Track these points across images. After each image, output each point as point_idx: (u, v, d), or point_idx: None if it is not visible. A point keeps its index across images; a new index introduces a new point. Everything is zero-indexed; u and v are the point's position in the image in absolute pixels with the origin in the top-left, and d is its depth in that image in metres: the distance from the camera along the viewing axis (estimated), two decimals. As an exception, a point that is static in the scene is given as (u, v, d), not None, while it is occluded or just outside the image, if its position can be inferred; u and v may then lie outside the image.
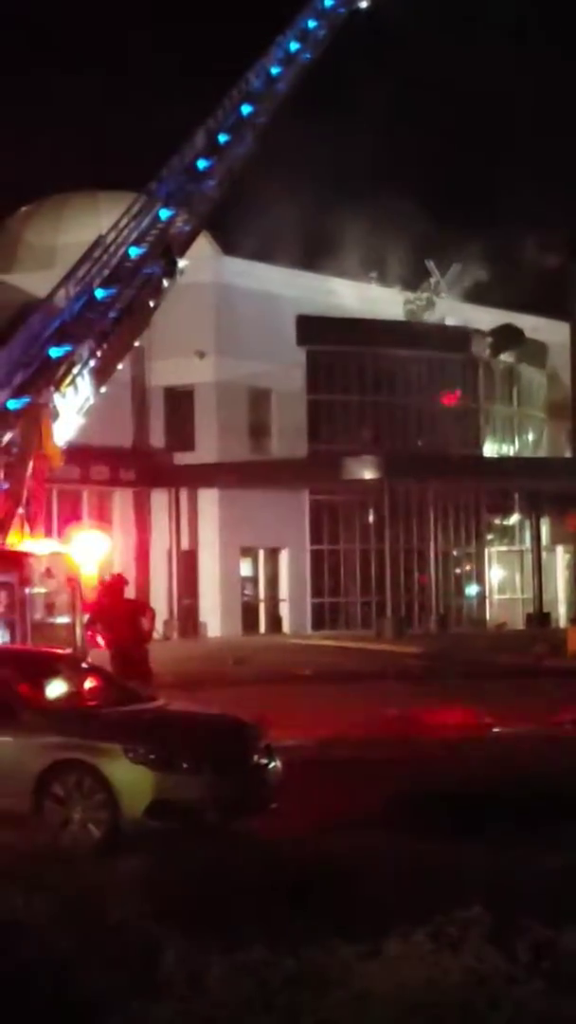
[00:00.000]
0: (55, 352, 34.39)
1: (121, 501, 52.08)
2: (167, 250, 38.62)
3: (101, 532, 38.29)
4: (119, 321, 36.57)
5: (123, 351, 38.05)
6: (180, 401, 53.23)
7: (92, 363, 34.84)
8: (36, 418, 31.56)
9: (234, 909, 10.37)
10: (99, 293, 36.56)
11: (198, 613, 51.76)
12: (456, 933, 7.85)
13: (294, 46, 44.52)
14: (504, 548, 60.18)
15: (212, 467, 51.47)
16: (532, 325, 60.97)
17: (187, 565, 51.90)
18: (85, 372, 34.39)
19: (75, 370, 34.12)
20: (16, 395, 32.34)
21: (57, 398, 32.96)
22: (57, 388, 33.03)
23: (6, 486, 30.21)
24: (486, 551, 58.99)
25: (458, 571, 58.01)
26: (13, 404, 32.09)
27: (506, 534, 60.68)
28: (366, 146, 58.55)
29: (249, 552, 53.57)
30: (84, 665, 18.56)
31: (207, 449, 52.50)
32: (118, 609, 24.98)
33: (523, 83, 63.18)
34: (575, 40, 68.91)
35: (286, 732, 20.55)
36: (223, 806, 14.30)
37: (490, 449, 60.50)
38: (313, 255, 56.01)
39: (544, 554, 57.41)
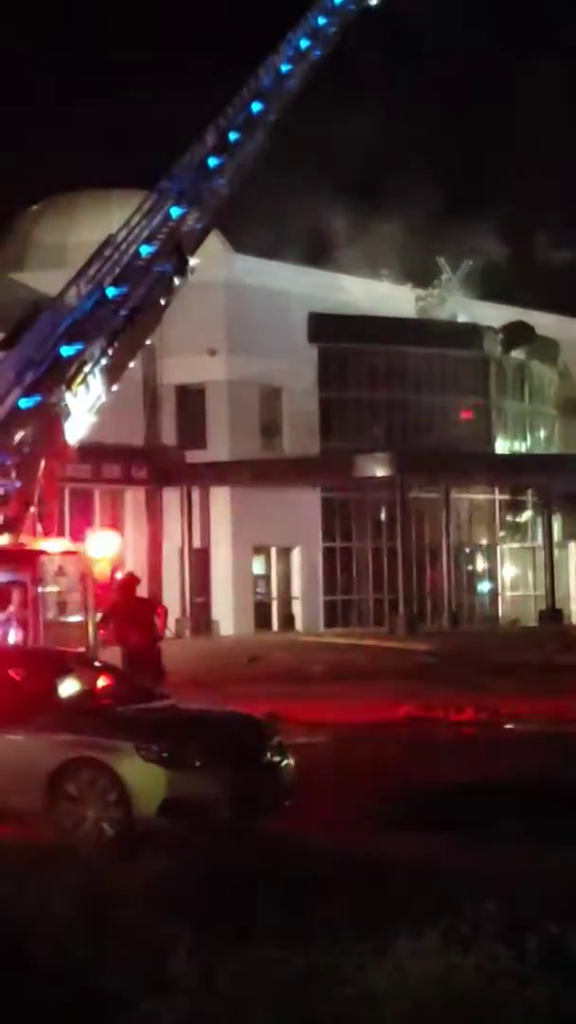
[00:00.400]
0: (66, 351, 34.44)
1: (133, 499, 52.10)
2: (178, 248, 38.66)
3: (113, 531, 38.34)
4: (130, 319, 36.62)
5: (134, 349, 38.09)
6: (191, 399, 53.25)
7: (103, 361, 34.89)
8: (48, 417, 31.63)
9: (246, 907, 10.39)
10: (110, 291, 36.60)
11: (210, 611, 51.77)
12: (467, 931, 7.85)
13: (304, 43, 44.49)
14: (516, 545, 60.14)
15: (224, 465, 51.49)
16: (543, 322, 60.93)
17: (199, 563, 51.91)
18: (96, 371, 34.44)
19: (86, 369, 34.17)
20: (27, 394, 32.41)
21: (68, 397, 33.02)
22: (68, 387, 33.10)
23: (18, 485, 30.27)
24: (498, 548, 58.97)
25: (470, 568, 57.98)
26: (25, 403, 32.17)
27: (518, 531, 60.63)
28: (377, 142, 58.54)
29: (261, 550, 53.58)
30: (96, 664, 18.60)
31: (219, 447, 52.52)
32: (131, 608, 25.00)
33: (538, 77, 63.12)
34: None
35: (299, 730, 20.58)
36: (236, 804, 14.31)
37: (502, 446, 60.47)
38: (324, 252, 56.04)
39: (556, 551, 57.35)
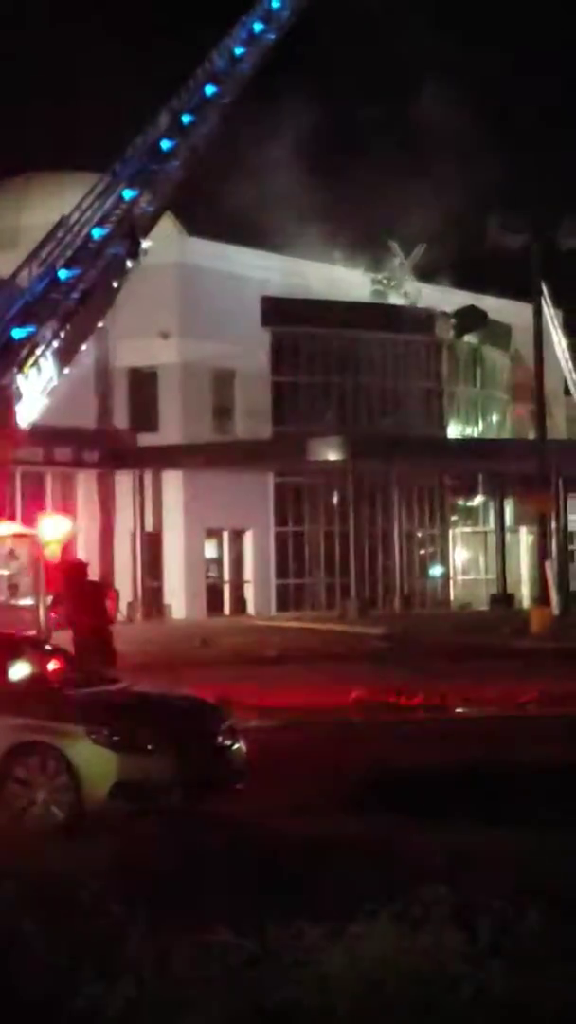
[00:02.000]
0: (18, 333, 34.34)
1: (85, 483, 52.00)
2: (131, 231, 38.59)
3: (64, 514, 38.25)
4: (83, 302, 36.55)
5: (87, 332, 38.02)
6: (144, 382, 53.16)
7: (55, 344, 34.81)
8: (-1, 399, 31.51)
9: (198, 890, 10.38)
10: (62, 274, 36.52)
11: (163, 595, 51.75)
12: (419, 913, 7.87)
13: (258, 26, 44.46)
14: (468, 529, 60.37)
15: (176, 448, 51.43)
16: (496, 307, 61.09)
17: (151, 547, 51.85)
18: (48, 353, 34.35)
19: (38, 351, 34.08)
20: (-22, 376, 32.30)
21: (20, 379, 32.93)
22: (20, 369, 33.00)
23: (-31, 468, 30.17)
24: (450, 532, 59.16)
25: (422, 552, 58.14)
26: (-25, 385, 32.07)
27: (470, 515, 60.86)
28: (330, 125, 58.53)
29: (213, 534, 53.58)
30: (47, 647, 18.54)
31: (171, 430, 52.45)
32: (82, 591, 24.97)
33: (489, 61, 63.20)
34: (518, 26, 68.93)
35: (251, 713, 20.59)
36: (187, 787, 14.30)
37: (454, 431, 60.63)
38: (278, 236, 55.94)
39: (508, 535, 57.58)
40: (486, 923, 7.68)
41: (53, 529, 31.76)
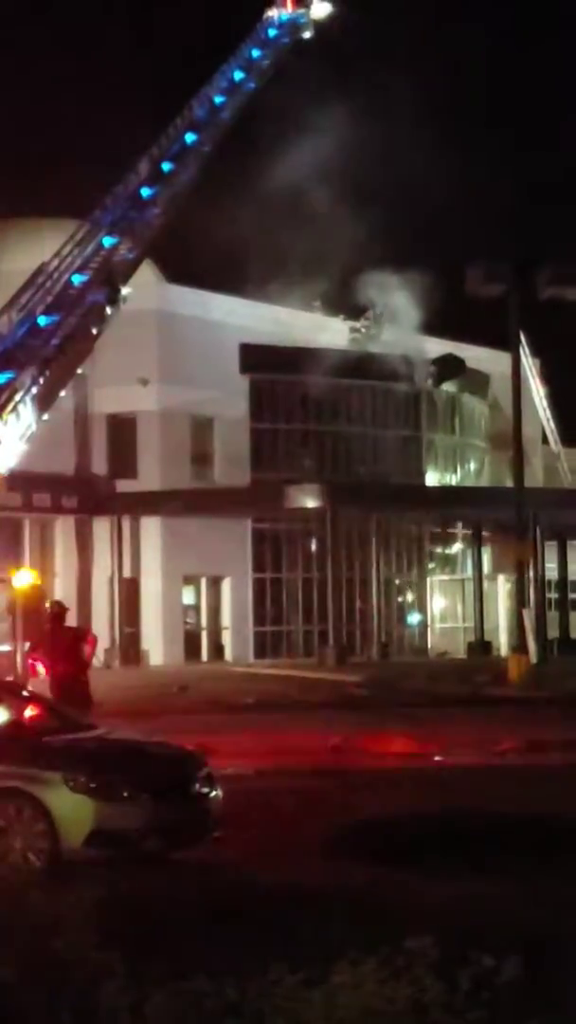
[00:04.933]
0: (-3, 379, 34.35)
1: (63, 528, 51.94)
2: (110, 277, 38.72)
3: (43, 560, 38.18)
4: (62, 348, 36.64)
5: (66, 378, 38.10)
6: (123, 428, 53.19)
7: (34, 390, 34.86)
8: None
9: (176, 939, 10.32)
10: (42, 320, 36.62)
11: (140, 641, 51.64)
12: (399, 962, 7.83)
13: (238, 75, 44.77)
14: (446, 577, 60.39)
15: (155, 495, 51.43)
16: (474, 355, 61.32)
17: (129, 593, 51.79)
18: (27, 399, 34.39)
19: (17, 397, 34.11)
20: (-43, 422, 32.31)
21: (-1, 425, 32.89)
22: (-1, 415, 32.97)
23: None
24: (428, 580, 59.17)
25: (400, 599, 58.13)
26: (-46, 431, 32.07)
27: (448, 563, 60.91)
28: (310, 173, 58.70)
29: (191, 580, 53.54)
30: (24, 693, 18.45)
31: (150, 477, 52.46)
32: (59, 637, 24.83)
33: (470, 106, 63.65)
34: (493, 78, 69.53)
35: (228, 761, 20.51)
36: (164, 835, 14.23)
37: (432, 478, 60.74)
38: (257, 283, 56.09)
39: (485, 583, 57.62)
40: (466, 973, 7.64)
41: (30, 576, 31.72)
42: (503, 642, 57.22)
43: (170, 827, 14.32)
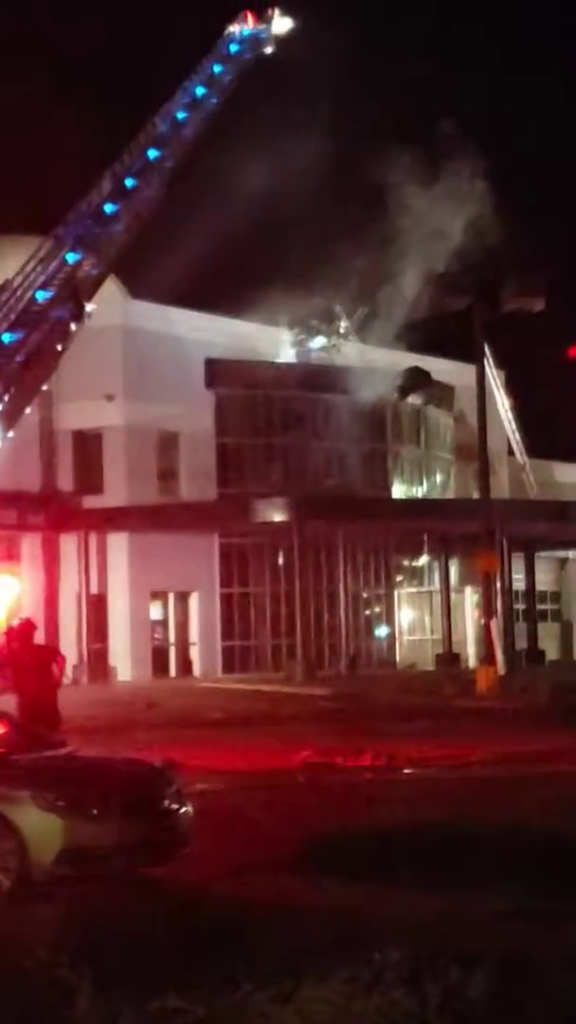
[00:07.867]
0: (-38, 396, 34.29)
1: (30, 545, 51.82)
2: (74, 294, 38.70)
3: (9, 576, 38.09)
4: (26, 365, 36.59)
5: (31, 395, 38.05)
6: (88, 444, 53.13)
7: (-1, 407, 34.77)
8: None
9: (146, 956, 10.31)
10: (6, 337, 36.56)
11: (108, 657, 51.53)
12: (369, 975, 7.85)
13: (200, 91, 44.83)
14: (413, 589, 60.46)
15: (121, 510, 51.34)
16: (439, 368, 61.42)
17: (97, 609, 51.69)
18: (-8, 416, 34.30)
19: (-18, 414, 34.02)
20: None
21: (-36, 443, 32.83)
22: (-36, 432, 32.91)
23: None
24: (395, 592, 59.24)
25: (368, 612, 58.18)
26: None
27: (415, 575, 60.97)
28: (273, 188, 58.79)
29: (159, 596, 53.48)
30: (-7, 711, 18.39)
31: (116, 492, 52.39)
32: (27, 654, 24.77)
33: (428, 123, 63.64)
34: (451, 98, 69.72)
35: (197, 776, 20.50)
36: (134, 852, 14.20)
37: (399, 491, 60.82)
38: (221, 299, 56.13)
39: (453, 595, 57.73)
40: (436, 985, 7.67)
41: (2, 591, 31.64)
42: (471, 654, 57.36)
43: (140, 844, 14.28)
